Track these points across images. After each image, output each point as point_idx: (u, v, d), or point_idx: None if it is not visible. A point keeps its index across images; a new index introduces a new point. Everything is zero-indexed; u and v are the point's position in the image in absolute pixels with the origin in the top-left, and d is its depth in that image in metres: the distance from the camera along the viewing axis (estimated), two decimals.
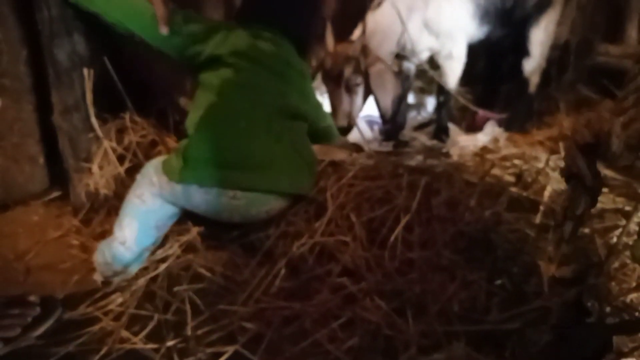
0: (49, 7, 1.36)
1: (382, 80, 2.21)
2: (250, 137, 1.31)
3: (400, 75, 2.47)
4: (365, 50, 2.11)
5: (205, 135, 1.30)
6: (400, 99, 2.50)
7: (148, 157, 1.63)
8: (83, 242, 1.50)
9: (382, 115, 2.25)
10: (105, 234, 1.49)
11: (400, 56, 2.36)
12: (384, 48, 2.21)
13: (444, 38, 2.25)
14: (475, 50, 2.43)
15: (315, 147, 1.54)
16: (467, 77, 2.52)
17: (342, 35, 2.23)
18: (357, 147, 2.09)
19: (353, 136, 2.28)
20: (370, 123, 2.59)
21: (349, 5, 2.42)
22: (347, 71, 2.10)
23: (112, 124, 1.58)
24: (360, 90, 2.19)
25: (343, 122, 2.17)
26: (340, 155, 1.66)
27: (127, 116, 1.61)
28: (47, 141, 1.68)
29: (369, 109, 2.59)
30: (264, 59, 1.39)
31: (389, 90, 2.26)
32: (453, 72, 2.34)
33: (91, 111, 1.54)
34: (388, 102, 2.26)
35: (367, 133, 2.45)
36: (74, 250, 1.47)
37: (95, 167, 1.55)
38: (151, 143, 1.69)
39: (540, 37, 2.44)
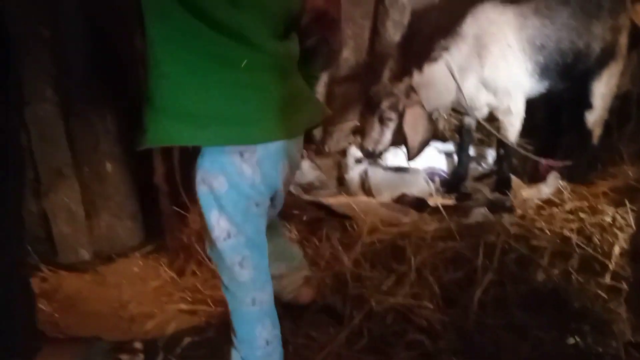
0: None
1: (415, 122, 2.30)
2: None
3: (461, 129, 2.57)
4: (408, 92, 2.23)
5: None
6: (461, 151, 2.59)
7: None
8: (178, 291, 1.67)
9: (407, 154, 2.35)
10: (197, 283, 1.67)
11: (457, 111, 2.47)
12: (435, 100, 2.32)
13: (502, 95, 2.33)
14: (535, 103, 2.49)
15: (382, 213, 1.65)
16: (528, 128, 2.57)
17: (402, 72, 2.38)
18: (420, 201, 2.18)
19: (415, 189, 2.38)
20: (431, 175, 2.68)
21: (414, 48, 2.57)
22: (385, 105, 2.23)
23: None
24: (391, 126, 2.31)
25: (368, 147, 2.29)
26: (406, 218, 1.76)
27: None
28: (144, 199, 1.90)
29: (430, 161, 2.68)
30: None
31: (419, 133, 2.34)
32: (512, 126, 2.41)
33: (178, 176, 1.74)
34: (416, 143, 2.34)
35: (429, 185, 2.54)
36: (171, 298, 1.64)
37: (189, 222, 1.74)
38: None
39: (602, 90, 2.47)
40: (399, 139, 2.32)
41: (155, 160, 1.70)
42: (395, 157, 2.60)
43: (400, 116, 2.22)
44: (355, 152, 2.43)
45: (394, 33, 2.50)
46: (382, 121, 2.26)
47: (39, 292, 1.63)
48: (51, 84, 1.64)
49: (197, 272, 1.71)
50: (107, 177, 1.80)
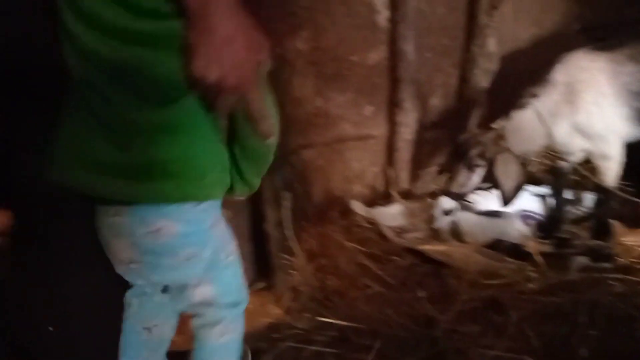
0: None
1: (507, 168, 2.32)
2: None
3: (554, 172, 2.56)
4: (496, 140, 2.27)
5: None
6: (557, 195, 2.56)
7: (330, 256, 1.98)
8: (286, 329, 1.83)
9: (502, 200, 2.35)
10: (304, 321, 1.82)
11: (551, 155, 2.47)
12: (524, 145, 2.34)
13: (597, 141, 2.31)
14: (634, 146, 2.43)
15: (478, 262, 1.71)
16: (629, 170, 2.50)
17: (490, 119, 2.44)
18: (516, 247, 2.20)
19: (510, 234, 2.39)
20: (525, 218, 2.66)
21: (502, 94, 2.62)
22: (473, 153, 2.27)
23: (308, 234, 1.97)
24: (479, 172, 2.33)
25: (455, 190, 2.32)
26: (503, 268, 1.81)
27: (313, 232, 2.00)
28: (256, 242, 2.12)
29: (524, 203, 2.67)
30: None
31: (512, 179, 2.35)
32: (610, 171, 2.36)
33: (289, 224, 1.94)
34: (510, 189, 2.34)
35: (523, 229, 2.53)
36: (281, 336, 1.81)
37: (295, 267, 1.92)
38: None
39: None
40: (489, 183, 2.36)
41: (267, 209, 1.91)
42: (487, 201, 2.62)
43: (489, 163, 2.28)
44: (443, 203, 2.46)
45: (482, 80, 2.58)
46: (470, 168, 2.32)
47: None
48: None
49: (304, 310, 1.87)
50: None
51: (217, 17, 0.86)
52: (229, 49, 0.89)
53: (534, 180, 2.84)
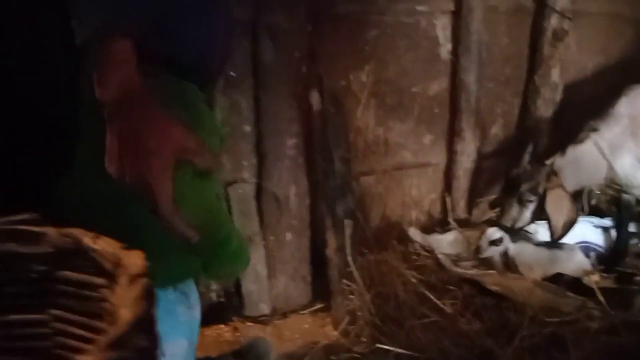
0: (335, 178, 1.90)
1: (557, 204, 2.29)
2: None
3: (618, 205, 2.51)
4: (549, 176, 2.25)
5: None
6: (620, 228, 2.51)
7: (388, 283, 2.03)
8: (343, 352, 1.90)
9: (552, 235, 2.32)
10: (361, 345, 1.88)
11: (614, 188, 2.43)
12: (584, 178, 2.32)
13: None
14: None
15: (539, 296, 1.71)
16: None
17: (548, 150, 2.42)
18: (577, 282, 2.17)
19: (570, 267, 2.36)
20: (586, 250, 2.60)
21: (563, 124, 2.60)
22: (524, 187, 2.26)
23: (367, 260, 2.03)
24: (531, 207, 2.31)
25: (507, 223, 2.30)
26: (565, 304, 1.80)
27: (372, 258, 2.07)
28: (315, 264, 2.21)
29: (585, 235, 2.62)
30: None
31: (563, 215, 2.32)
32: None
33: (349, 251, 2.01)
34: (560, 224, 2.31)
35: (585, 262, 2.49)
36: (338, 359, 1.88)
37: (354, 291, 1.99)
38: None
39: None
40: (541, 218, 2.35)
41: (328, 234, 1.99)
42: (547, 232, 2.59)
43: (541, 198, 2.27)
44: (491, 234, 2.38)
45: (544, 109, 2.57)
46: (522, 202, 2.32)
47: (231, 339, 1.99)
48: (249, 170, 2.05)
49: (361, 334, 1.93)
50: (286, 245, 2.14)
51: (125, 111, 0.84)
52: (131, 143, 0.84)
53: (597, 211, 2.79)
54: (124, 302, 0.69)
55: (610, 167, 2.25)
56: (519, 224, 2.32)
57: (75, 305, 0.99)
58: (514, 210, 2.33)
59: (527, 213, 2.34)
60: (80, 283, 0.96)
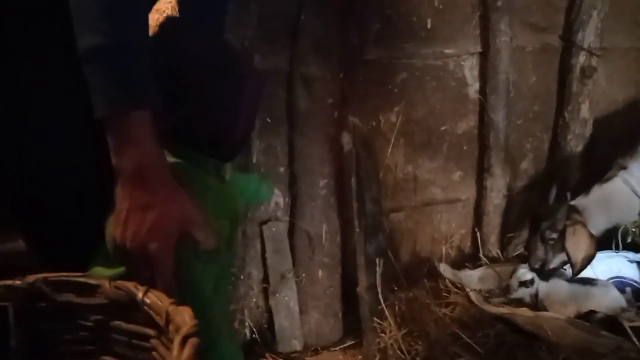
0: (367, 218, 1.95)
1: (577, 239, 2.27)
2: None
3: None
4: (570, 214, 2.23)
5: None
6: None
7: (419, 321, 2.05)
8: None
9: (572, 270, 2.29)
10: None
11: None
12: (617, 216, 2.30)
13: None
14: None
15: (573, 335, 1.70)
16: None
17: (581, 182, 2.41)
18: (612, 320, 2.13)
19: (604, 304, 2.32)
20: (621, 284, 2.56)
21: (593, 160, 2.59)
22: (545, 225, 2.25)
23: (398, 298, 2.06)
24: (556, 246, 2.29)
25: (534, 265, 2.28)
26: (601, 347, 1.78)
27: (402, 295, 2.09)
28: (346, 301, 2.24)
29: (618, 269, 2.58)
30: None
31: (582, 251, 2.29)
32: None
33: (380, 289, 2.05)
34: (579, 259, 2.28)
35: (619, 298, 2.44)
36: None
37: (385, 330, 2.01)
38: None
39: None
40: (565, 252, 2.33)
41: (360, 272, 2.03)
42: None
43: (561, 235, 2.26)
44: (522, 274, 2.35)
45: (574, 145, 2.57)
46: (543, 240, 2.31)
47: None
48: (283, 208, 2.12)
49: None
50: (318, 282, 2.19)
51: (139, 180, 0.86)
52: (137, 217, 0.86)
53: (633, 247, 2.74)
54: None
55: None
56: (548, 267, 2.32)
57: (127, 352, 1.07)
58: (540, 250, 2.33)
59: (551, 254, 2.33)
60: (132, 333, 1.04)
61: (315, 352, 2.19)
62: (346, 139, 1.98)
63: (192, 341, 0.75)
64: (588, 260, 2.27)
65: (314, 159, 2.04)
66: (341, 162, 2.03)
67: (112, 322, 1.02)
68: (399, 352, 1.96)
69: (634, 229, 2.68)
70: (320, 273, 2.18)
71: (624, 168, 2.24)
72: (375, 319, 2.03)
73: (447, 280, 2.31)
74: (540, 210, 2.32)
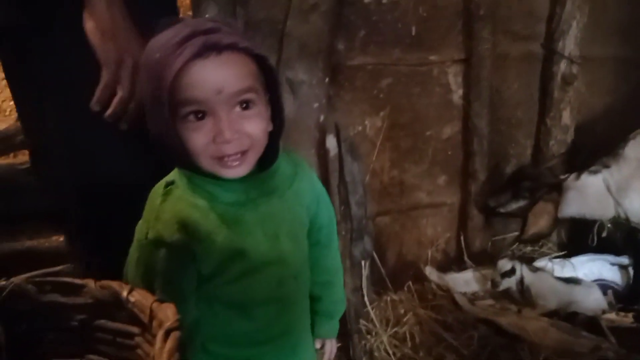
0: (352, 221, 1.98)
1: (540, 213, 2.37)
2: None
3: (633, 242, 2.52)
4: (550, 190, 2.33)
5: None
6: (637, 265, 2.51)
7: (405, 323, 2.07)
8: None
9: (519, 235, 2.39)
10: None
11: (627, 225, 2.45)
12: (591, 210, 2.37)
13: None
14: None
15: (554, 337, 1.73)
16: None
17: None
18: (594, 321, 2.17)
19: (587, 305, 2.36)
20: (603, 287, 2.60)
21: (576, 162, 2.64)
22: (525, 184, 2.38)
23: (384, 300, 2.09)
24: (521, 203, 2.42)
25: (492, 204, 2.45)
26: (581, 347, 1.81)
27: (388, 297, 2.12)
28: None
29: (599, 272, 2.62)
30: None
31: (537, 225, 2.38)
32: None
33: (365, 291, 2.07)
34: (530, 231, 2.38)
35: (601, 300, 2.48)
36: None
37: (371, 332, 2.04)
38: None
39: None
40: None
41: (346, 275, 2.05)
42: (564, 268, 2.60)
43: (532, 201, 2.37)
44: (502, 265, 2.40)
45: (557, 150, 2.62)
46: (515, 194, 2.42)
47: None
48: None
49: None
50: None
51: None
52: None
53: (612, 249, 2.79)
54: (160, 355, 0.77)
55: (618, 205, 2.29)
56: (501, 209, 2.37)
57: (112, 351, 1.08)
58: (505, 195, 2.39)
59: (514, 205, 2.40)
60: (117, 331, 1.05)
61: None
62: (332, 143, 2.00)
63: (175, 334, 0.76)
64: (537, 236, 2.34)
65: None
66: (327, 166, 2.05)
67: (97, 321, 1.03)
68: (384, 353, 1.98)
69: (609, 225, 2.73)
70: None
71: (607, 167, 2.29)
72: (361, 320, 2.05)
73: (432, 283, 2.34)
74: (527, 170, 2.38)
